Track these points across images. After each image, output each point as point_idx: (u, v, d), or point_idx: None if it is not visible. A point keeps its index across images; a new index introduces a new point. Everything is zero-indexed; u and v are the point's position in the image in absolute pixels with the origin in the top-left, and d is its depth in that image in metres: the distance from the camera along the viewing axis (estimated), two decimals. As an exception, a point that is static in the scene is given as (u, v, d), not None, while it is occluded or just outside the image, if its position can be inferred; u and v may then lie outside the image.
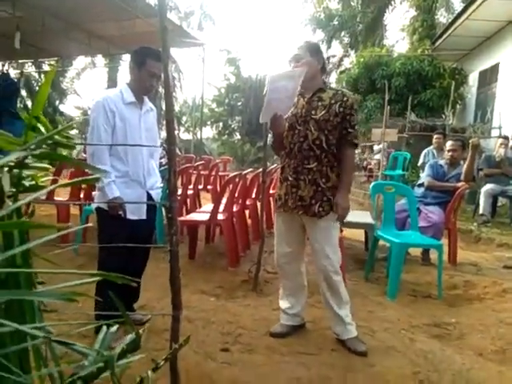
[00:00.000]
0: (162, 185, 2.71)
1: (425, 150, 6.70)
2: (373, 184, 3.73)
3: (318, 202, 2.30)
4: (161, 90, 11.40)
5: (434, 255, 4.28)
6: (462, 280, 3.69)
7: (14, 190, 0.73)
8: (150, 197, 2.51)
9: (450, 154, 4.26)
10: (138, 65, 2.40)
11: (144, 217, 2.47)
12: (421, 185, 4.44)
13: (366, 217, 4.23)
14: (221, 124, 24.45)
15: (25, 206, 0.85)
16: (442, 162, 4.45)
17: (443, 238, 4.12)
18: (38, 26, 6.26)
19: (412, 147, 9.63)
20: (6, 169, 0.68)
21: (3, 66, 9.34)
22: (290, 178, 2.37)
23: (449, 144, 4.32)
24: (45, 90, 0.76)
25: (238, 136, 24.36)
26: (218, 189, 7.10)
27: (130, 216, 2.37)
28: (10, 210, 0.68)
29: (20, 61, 8.83)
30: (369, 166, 10.35)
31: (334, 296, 2.40)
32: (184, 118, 25.49)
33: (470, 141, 4.40)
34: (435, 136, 6.57)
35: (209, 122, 23.45)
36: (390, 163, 8.69)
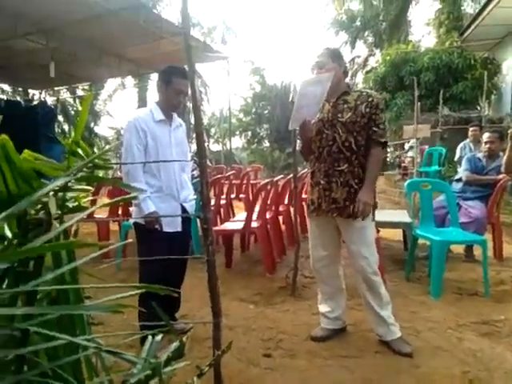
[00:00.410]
0: (195, 197, 2.77)
1: (461, 144, 6.48)
2: (408, 182, 3.65)
3: (353, 203, 2.30)
4: (189, 104, 11.67)
5: (477, 251, 4.13)
6: (510, 275, 3.54)
7: (59, 212, 0.78)
8: (184, 209, 2.58)
9: (487, 146, 4.10)
10: (165, 83, 2.49)
11: (179, 229, 2.53)
12: (459, 180, 4.30)
13: (402, 216, 4.13)
14: (249, 133, 24.65)
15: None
16: (479, 154, 4.29)
17: (487, 233, 3.97)
18: (71, 55, 6.58)
19: (447, 142, 9.34)
20: (51, 193, 0.73)
21: (40, 93, 9.88)
22: (322, 182, 2.39)
23: (486, 136, 4.16)
24: (83, 117, 0.81)
25: (266, 144, 24.48)
26: (251, 197, 7.18)
27: (166, 229, 2.44)
28: (57, 232, 0.73)
29: (55, 88, 9.29)
30: (402, 164, 10.11)
31: (374, 297, 2.38)
32: (213, 130, 25.89)
33: (509, 131, 4.22)
34: (471, 128, 6.34)
35: (237, 132, 23.71)
36: (424, 160, 8.46)
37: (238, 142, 24.71)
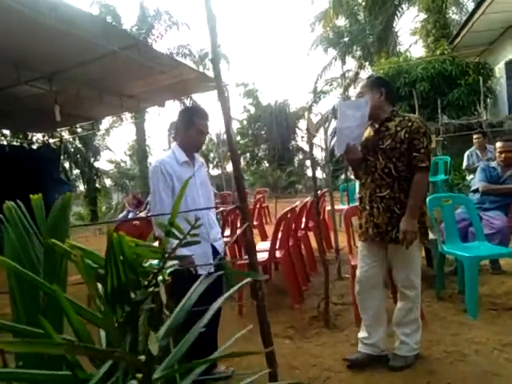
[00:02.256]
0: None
1: (467, 152, 6.49)
2: (429, 198, 3.63)
3: (395, 228, 2.33)
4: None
5: (503, 261, 4.08)
6: (543, 286, 3.48)
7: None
8: (214, 249, 2.54)
9: (503, 155, 4.09)
10: (186, 124, 2.49)
11: (213, 270, 2.49)
12: (475, 191, 4.28)
13: (424, 232, 4.10)
14: (248, 155, 24.79)
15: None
16: (493, 164, 4.28)
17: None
18: (73, 97, 6.63)
19: (448, 149, 9.39)
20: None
21: (43, 137, 9.93)
22: (367, 207, 2.46)
23: (500, 146, 4.15)
24: (176, 206, 0.80)
25: (266, 164, 24.58)
26: (264, 221, 7.15)
27: (200, 271, 2.40)
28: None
29: (58, 129, 9.35)
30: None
31: (400, 314, 2.46)
32: (211, 155, 26.02)
33: None
34: (475, 136, 6.37)
35: (236, 155, 23.74)
36: (430, 169, 8.46)
37: (237, 164, 24.83)
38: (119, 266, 0.66)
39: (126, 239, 0.65)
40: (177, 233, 0.82)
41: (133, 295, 0.73)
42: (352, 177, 3.54)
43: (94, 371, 0.69)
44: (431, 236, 3.81)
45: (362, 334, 2.58)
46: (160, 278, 0.80)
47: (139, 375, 0.55)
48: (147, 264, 0.80)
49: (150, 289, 0.77)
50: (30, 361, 0.85)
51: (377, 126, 2.42)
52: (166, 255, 0.81)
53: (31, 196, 1.04)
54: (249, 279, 1.02)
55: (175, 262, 0.88)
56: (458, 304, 3.33)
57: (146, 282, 0.77)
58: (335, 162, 12.83)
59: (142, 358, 0.55)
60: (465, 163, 6.49)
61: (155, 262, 0.93)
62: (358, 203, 2.62)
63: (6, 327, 0.61)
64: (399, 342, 2.47)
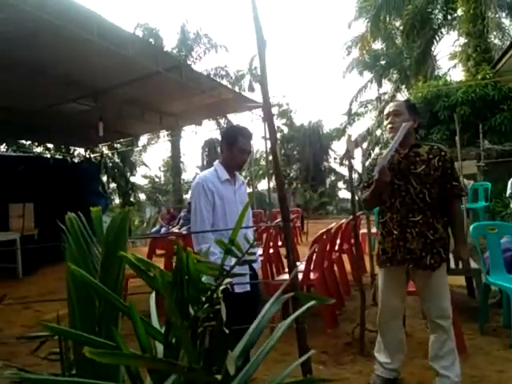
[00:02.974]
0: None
1: (511, 179, 6.24)
2: (473, 226, 3.49)
3: (429, 254, 2.32)
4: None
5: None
6: None
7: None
8: (251, 267, 2.53)
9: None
10: (230, 143, 2.53)
11: (249, 289, 2.48)
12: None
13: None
14: (280, 175, 24.84)
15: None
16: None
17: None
18: (116, 114, 6.92)
19: (489, 175, 9.06)
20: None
21: (85, 151, 10.36)
22: (395, 232, 2.40)
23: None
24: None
25: (298, 184, 24.54)
26: (295, 242, 7.08)
27: (236, 290, 2.39)
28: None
29: (100, 145, 9.74)
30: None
31: (436, 346, 2.38)
32: (243, 173, 26.26)
33: None
34: (520, 163, 6.13)
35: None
36: (469, 196, 8.18)
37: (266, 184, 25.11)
38: (184, 282, 0.66)
39: (192, 256, 0.65)
40: (236, 250, 0.83)
41: (192, 311, 0.73)
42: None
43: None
44: (474, 265, 3.67)
45: (383, 358, 2.57)
46: (216, 295, 0.81)
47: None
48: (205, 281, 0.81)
49: (207, 305, 0.77)
50: (85, 369, 0.86)
51: (406, 151, 2.41)
52: (225, 272, 0.81)
53: (91, 208, 1.08)
54: (313, 302, 1.00)
55: (231, 279, 0.89)
56: (503, 338, 3.16)
57: (204, 299, 0.77)
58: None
59: (219, 377, 0.54)
60: (509, 190, 6.23)
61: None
62: (380, 227, 2.53)
63: (82, 339, 0.62)
64: (440, 376, 2.36)
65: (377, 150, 18.21)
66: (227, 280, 0.86)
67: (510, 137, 10.09)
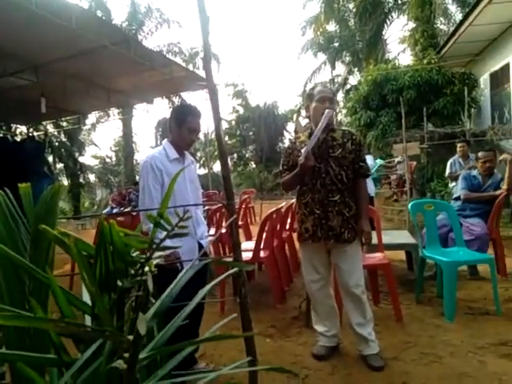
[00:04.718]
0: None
1: (450, 160, 6.61)
2: (411, 203, 3.70)
3: (346, 229, 2.53)
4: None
5: (481, 267, 4.18)
6: (518, 292, 3.59)
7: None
8: (200, 246, 2.55)
9: (486, 165, 4.22)
10: (178, 122, 2.50)
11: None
12: (457, 198, 4.39)
13: (406, 237, 4.18)
14: (235, 155, 24.81)
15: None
16: (474, 172, 4.40)
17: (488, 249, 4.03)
18: (60, 89, 6.55)
19: (431, 156, 9.57)
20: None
21: (28, 129, 9.77)
22: (318, 211, 2.56)
23: (482, 155, 4.28)
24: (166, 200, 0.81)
25: (253, 165, 24.63)
26: (249, 222, 7.17)
27: (185, 267, 2.41)
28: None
29: (44, 122, 9.21)
30: (389, 180, 10.23)
31: (357, 314, 2.58)
32: (198, 154, 25.97)
33: (502, 157, 4.46)
34: (459, 145, 6.50)
35: (223, 155, 23.78)
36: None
37: (223, 164, 24.91)
38: (108, 255, 0.67)
39: (116, 228, 0.66)
40: (165, 224, 0.84)
41: (120, 283, 0.74)
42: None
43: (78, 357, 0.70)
44: (413, 240, 3.91)
45: (321, 328, 2.75)
46: (146, 268, 0.82)
47: (126, 355, 0.56)
48: (135, 254, 0.82)
49: (137, 278, 0.78)
50: (13, 343, 0.85)
51: (324, 135, 2.54)
52: (154, 246, 0.82)
53: (19, 185, 1.04)
54: (235, 269, 1.04)
55: (162, 253, 0.90)
56: (436, 308, 3.41)
57: (133, 272, 0.78)
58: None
59: (130, 337, 0.56)
60: (448, 171, 6.62)
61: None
62: (302, 207, 2.64)
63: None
64: (368, 342, 2.57)
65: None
66: (159, 254, 0.88)
67: (452, 120, 10.67)
